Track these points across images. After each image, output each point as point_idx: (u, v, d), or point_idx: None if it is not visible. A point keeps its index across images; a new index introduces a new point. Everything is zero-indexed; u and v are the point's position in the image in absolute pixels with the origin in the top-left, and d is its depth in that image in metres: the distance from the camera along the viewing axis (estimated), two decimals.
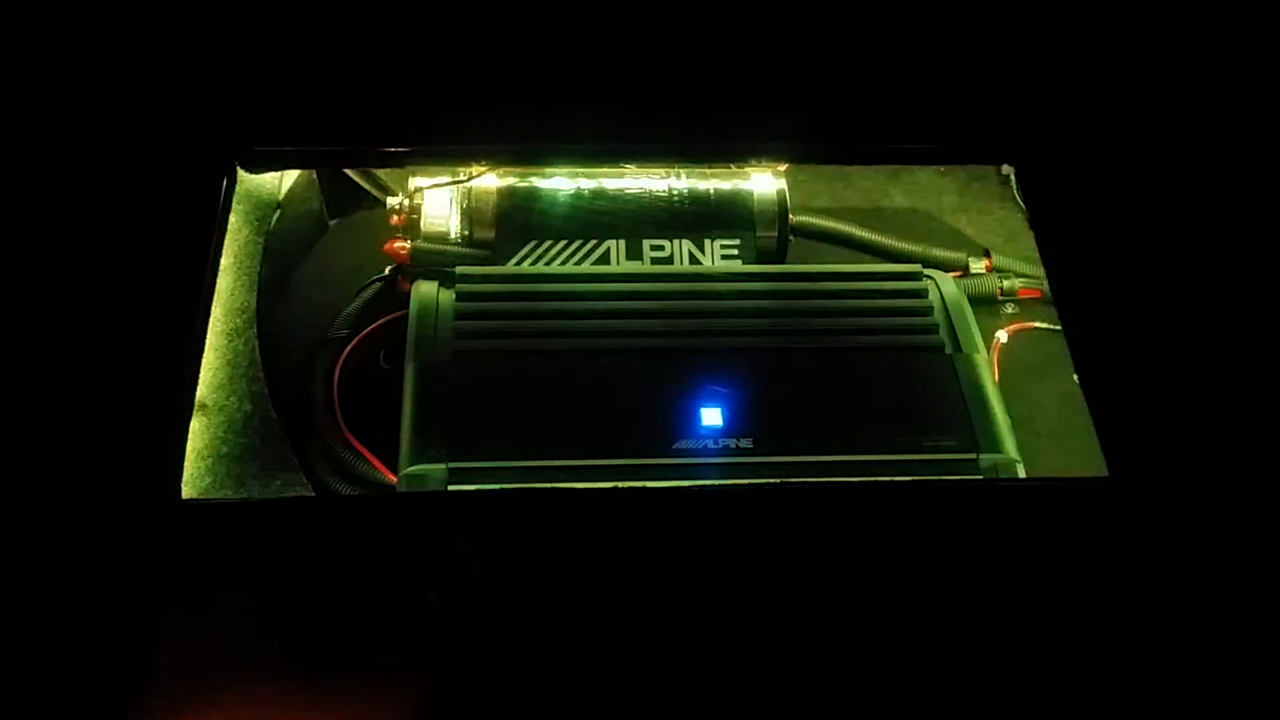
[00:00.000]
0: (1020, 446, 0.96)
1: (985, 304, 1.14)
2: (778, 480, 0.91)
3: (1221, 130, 1.06)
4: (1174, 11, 1.12)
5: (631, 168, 1.15)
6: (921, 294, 1.07)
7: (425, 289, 1.03)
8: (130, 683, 0.57)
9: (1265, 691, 0.79)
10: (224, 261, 0.99)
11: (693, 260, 1.12)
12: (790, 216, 1.15)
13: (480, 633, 0.77)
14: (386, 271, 1.12)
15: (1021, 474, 0.94)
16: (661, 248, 1.12)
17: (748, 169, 1.17)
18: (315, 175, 1.16)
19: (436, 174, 1.15)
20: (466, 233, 1.12)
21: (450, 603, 0.65)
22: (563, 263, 1.10)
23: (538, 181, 1.14)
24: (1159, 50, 1.11)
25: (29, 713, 0.75)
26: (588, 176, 1.15)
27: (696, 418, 0.95)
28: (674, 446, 0.93)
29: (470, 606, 0.66)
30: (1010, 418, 0.97)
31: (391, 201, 1.15)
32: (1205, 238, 0.99)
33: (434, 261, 1.10)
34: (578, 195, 1.13)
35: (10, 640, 0.77)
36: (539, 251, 1.11)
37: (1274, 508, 0.86)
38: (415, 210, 1.13)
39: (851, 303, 1.05)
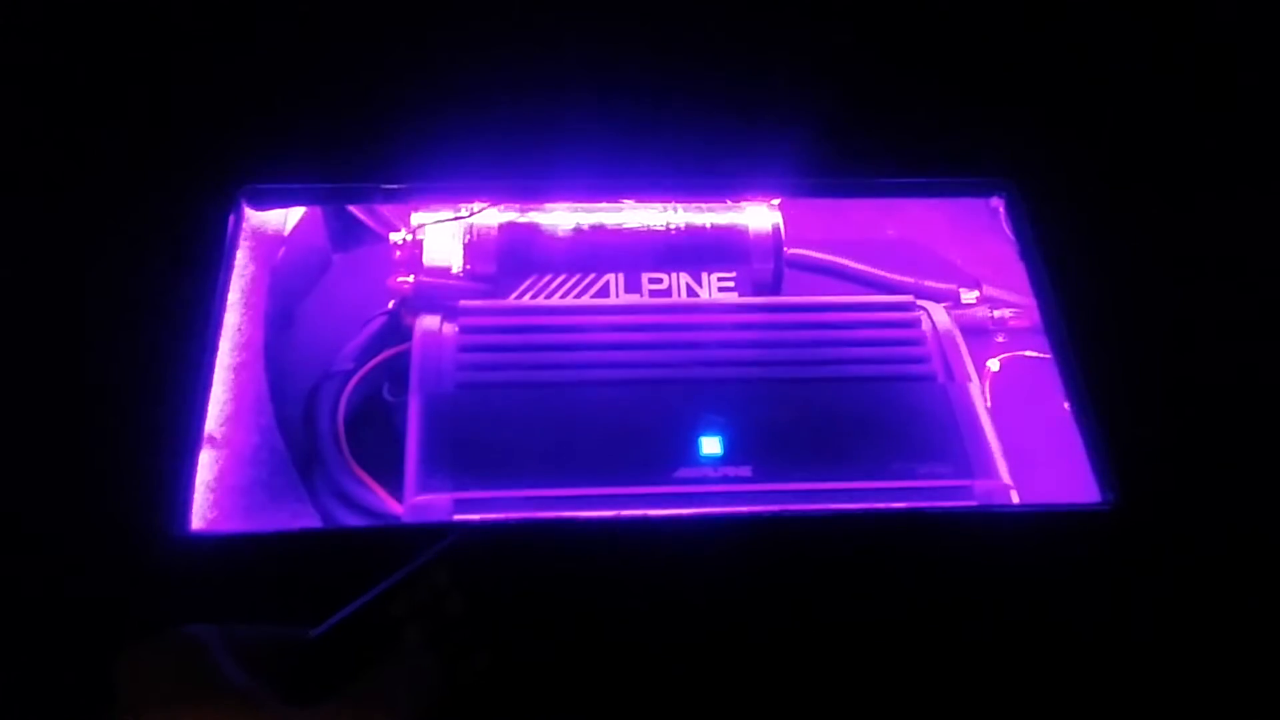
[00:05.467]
0: (1013, 473, 0.98)
1: (976, 334, 1.16)
2: (776, 508, 0.93)
3: (1210, 159, 1.09)
4: (1161, 44, 1.16)
5: (629, 203, 1.18)
6: (914, 324, 1.09)
7: (428, 322, 1.05)
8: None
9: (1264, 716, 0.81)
10: (231, 297, 1.01)
11: (690, 292, 1.14)
12: (785, 249, 1.17)
13: (481, 660, 0.78)
14: (390, 306, 1.14)
15: (1015, 500, 0.96)
16: (660, 280, 1.14)
17: (743, 203, 1.19)
18: (320, 212, 1.18)
19: (438, 210, 1.17)
20: (468, 267, 1.14)
21: (428, 639, 0.64)
22: (563, 295, 1.12)
23: (538, 217, 1.16)
24: (1144, 82, 1.14)
25: None
26: (587, 212, 1.17)
27: (696, 447, 0.97)
28: (674, 475, 0.95)
29: (449, 642, 0.65)
30: (1002, 445, 0.99)
31: (394, 237, 1.17)
32: (1194, 265, 1.02)
33: (437, 295, 1.12)
34: (577, 230, 1.15)
35: (11, 670, 0.77)
36: (540, 285, 1.13)
37: (1268, 534, 0.88)
38: (418, 246, 1.15)
39: (846, 333, 1.07)
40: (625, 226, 1.17)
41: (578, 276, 1.13)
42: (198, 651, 0.57)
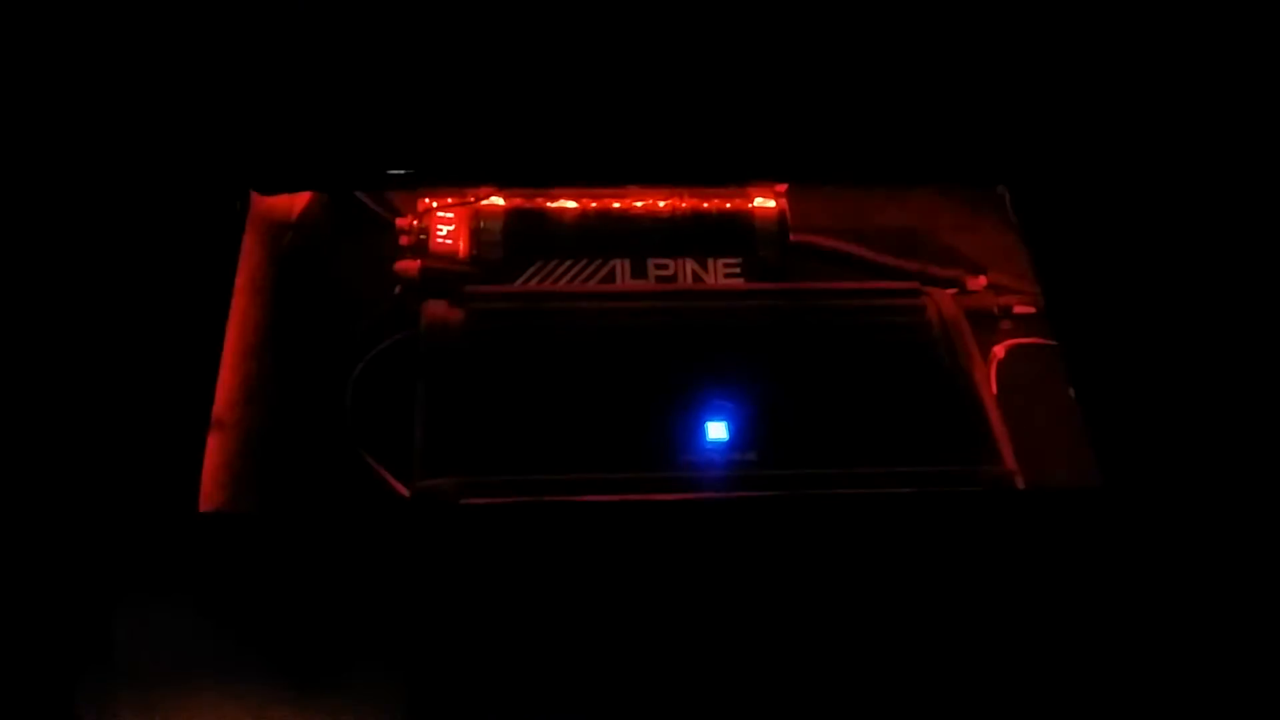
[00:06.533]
0: (1017, 458, 0.98)
1: (981, 320, 1.16)
2: (783, 492, 0.93)
3: (1210, 148, 1.09)
4: (1163, 31, 1.15)
5: (636, 189, 1.17)
6: (919, 310, 1.10)
7: (435, 307, 1.06)
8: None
9: (1256, 693, 0.81)
10: (239, 281, 1.01)
11: (696, 278, 1.14)
12: (791, 236, 1.17)
13: (488, 643, 0.79)
14: (397, 291, 1.14)
15: (1019, 485, 0.96)
16: (665, 266, 1.14)
17: (748, 189, 1.19)
18: (327, 198, 1.18)
19: (445, 195, 1.17)
20: (475, 252, 1.14)
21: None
22: (569, 281, 1.12)
23: (544, 202, 1.16)
24: (1148, 71, 1.13)
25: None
26: (593, 198, 1.17)
27: (702, 432, 0.97)
28: (681, 460, 0.95)
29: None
30: (1007, 430, 1.00)
31: (401, 222, 1.17)
32: (1195, 252, 1.02)
33: (443, 280, 1.12)
34: (583, 216, 1.16)
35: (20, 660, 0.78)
36: (546, 270, 1.13)
37: (1264, 516, 0.88)
38: (424, 231, 1.15)
39: (852, 319, 1.08)
40: (631, 213, 1.17)
41: (584, 262, 1.13)
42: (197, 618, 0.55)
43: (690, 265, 1.15)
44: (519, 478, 0.93)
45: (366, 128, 1.08)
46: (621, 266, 1.13)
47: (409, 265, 1.13)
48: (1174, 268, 1.01)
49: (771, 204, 1.18)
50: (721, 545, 0.87)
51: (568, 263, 1.13)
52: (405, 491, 0.96)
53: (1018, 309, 1.18)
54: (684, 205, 1.18)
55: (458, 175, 1.13)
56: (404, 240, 1.15)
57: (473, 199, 1.16)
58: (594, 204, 1.17)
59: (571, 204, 1.16)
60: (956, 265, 1.24)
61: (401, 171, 1.08)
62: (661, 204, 1.18)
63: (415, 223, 1.16)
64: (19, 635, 0.78)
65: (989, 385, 1.05)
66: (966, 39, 1.16)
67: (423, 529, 0.88)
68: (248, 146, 1.05)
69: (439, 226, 1.15)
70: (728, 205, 1.18)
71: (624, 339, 1.04)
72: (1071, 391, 0.97)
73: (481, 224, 1.14)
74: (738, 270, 1.15)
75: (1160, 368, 0.95)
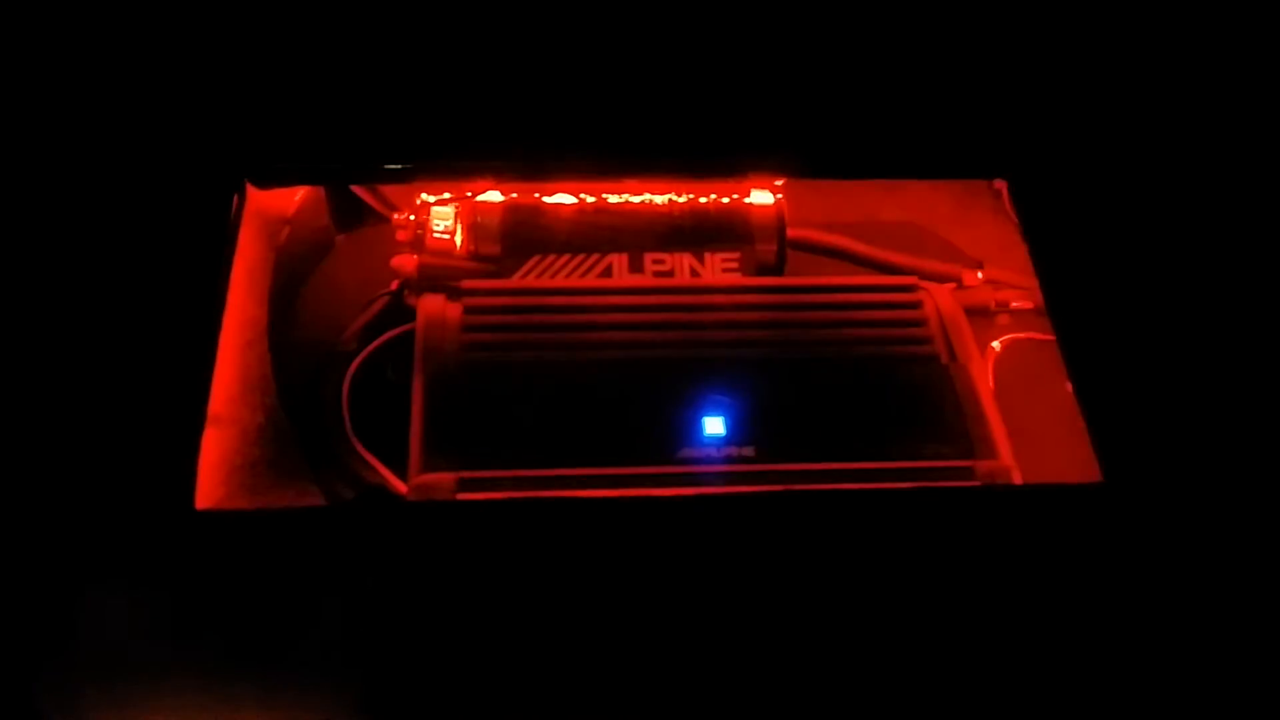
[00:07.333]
0: (1015, 454, 0.98)
1: (979, 315, 1.16)
2: (780, 487, 0.93)
3: (1209, 142, 1.08)
4: (1163, 25, 1.15)
5: (633, 184, 1.17)
6: (917, 305, 1.09)
7: (432, 302, 1.06)
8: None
9: (1256, 692, 0.81)
10: (235, 276, 1.01)
11: (693, 273, 1.14)
12: (788, 230, 1.17)
13: (485, 640, 0.79)
14: (394, 286, 1.14)
15: (1018, 481, 0.96)
16: (662, 261, 1.14)
17: (746, 184, 1.19)
18: (323, 193, 1.18)
19: (442, 190, 1.17)
20: (472, 247, 1.14)
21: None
22: (567, 276, 1.12)
23: (541, 197, 1.16)
24: (1147, 64, 1.13)
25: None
26: (590, 193, 1.17)
27: (700, 427, 0.97)
28: (678, 455, 0.95)
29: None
30: (1005, 425, 1.00)
31: (398, 217, 1.17)
32: (1195, 248, 1.02)
33: (440, 275, 1.12)
34: (580, 211, 1.15)
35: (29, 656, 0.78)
36: (543, 265, 1.13)
37: (1264, 513, 0.88)
38: (421, 226, 1.15)
39: (849, 314, 1.08)
40: (628, 207, 1.17)
41: (581, 257, 1.13)
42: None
43: (687, 260, 1.15)
44: (517, 473, 0.93)
45: (363, 122, 1.08)
46: (618, 261, 1.13)
47: (406, 260, 1.13)
48: (1174, 262, 1.01)
49: (769, 199, 1.18)
50: (719, 540, 0.87)
51: (565, 258, 1.13)
52: (403, 487, 0.96)
53: (1016, 304, 1.18)
54: (681, 200, 1.18)
55: (455, 170, 1.12)
56: (401, 235, 1.15)
57: (470, 194, 1.16)
58: (591, 199, 1.16)
59: (569, 199, 1.16)
60: (954, 260, 1.24)
61: (398, 166, 1.07)
62: (659, 199, 1.17)
63: (412, 218, 1.16)
64: (14, 633, 0.78)
65: (987, 381, 1.05)
66: (965, 32, 1.16)
67: (420, 525, 0.88)
68: (244, 140, 1.05)
69: (436, 221, 1.15)
70: (725, 200, 1.18)
71: (621, 334, 1.04)
72: (1070, 387, 0.97)
73: (478, 219, 1.14)
74: (735, 265, 1.15)
75: (1160, 363, 0.95)
